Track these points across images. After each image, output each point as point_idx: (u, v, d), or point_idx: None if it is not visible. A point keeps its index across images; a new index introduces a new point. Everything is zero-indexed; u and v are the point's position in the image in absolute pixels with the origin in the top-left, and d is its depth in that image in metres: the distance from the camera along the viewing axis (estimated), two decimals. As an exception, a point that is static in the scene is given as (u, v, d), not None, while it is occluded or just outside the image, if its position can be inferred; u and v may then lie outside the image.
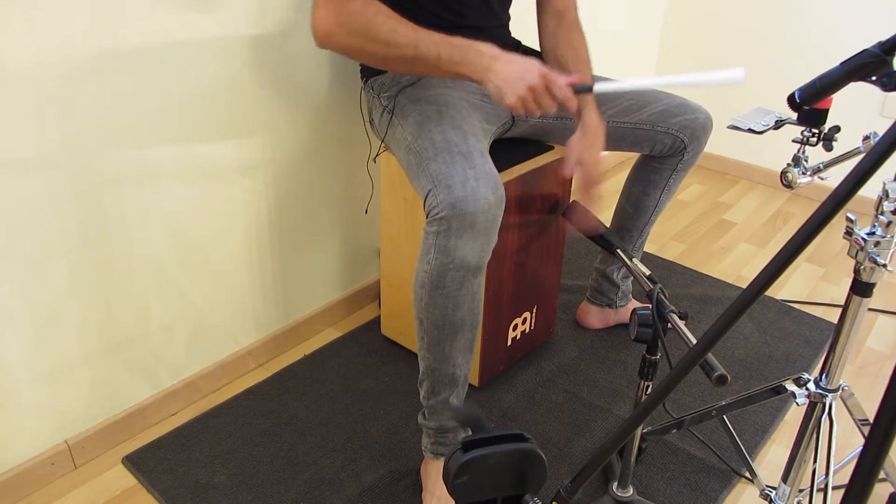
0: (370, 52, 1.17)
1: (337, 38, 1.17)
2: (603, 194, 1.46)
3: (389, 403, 1.61)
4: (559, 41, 1.46)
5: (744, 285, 2.10)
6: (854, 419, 1.25)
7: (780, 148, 2.73)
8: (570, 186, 1.66)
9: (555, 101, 1.14)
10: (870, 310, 2.00)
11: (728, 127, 1.31)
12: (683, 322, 1.11)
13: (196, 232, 1.49)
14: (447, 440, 1.34)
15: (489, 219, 1.16)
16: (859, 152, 1.23)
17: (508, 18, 1.51)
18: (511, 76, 1.12)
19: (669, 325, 1.13)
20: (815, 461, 1.11)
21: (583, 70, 1.42)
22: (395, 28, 1.14)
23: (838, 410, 1.13)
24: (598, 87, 1.13)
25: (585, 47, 1.46)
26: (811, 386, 1.11)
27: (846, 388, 1.17)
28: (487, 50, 1.14)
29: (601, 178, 1.40)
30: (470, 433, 1.26)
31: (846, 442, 1.54)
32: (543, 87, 1.12)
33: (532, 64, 1.13)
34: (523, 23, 1.62)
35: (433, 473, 1.35)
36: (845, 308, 1.03)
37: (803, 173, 1.24)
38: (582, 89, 1.15)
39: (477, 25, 1.41)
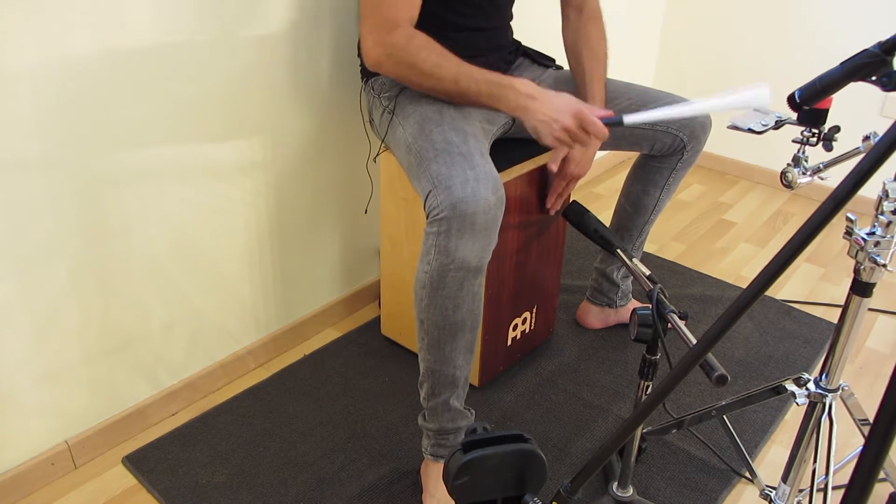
0: (416, 82, 1.25)
1: (385, 67, 1.25)
2: (570, 195, 1.53)
3: (389, 403, 1.61)
4: (578, 35, 1.50)
5: (744, 285, 2.10)
6: (854, 419, 1.25)
7: (780, 148, 2.73)
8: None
9: (590, 136, 1.20)
10: (870, 310, 2.00)
11: (728, 127, 1.31)
12: (683, 322, 1.11)
13: (196, 232, 1.49)
14: (447, 442, 1.34)
15: (489, 219, 1.17)
16: (859, 152, 1.23)
17: (510, 18, 1.52)
18: (546, 118, 1.19)
19: (669, 325, 1.13)
20: (815, 461, 1.11)
21: (596, 67, 1.46)
22: (439, 64, 1.21)
23: (838, 410, 1.13)
24: (628, 120, 1.18)
25: (603, 41, 1.50)
26: (811, 386, 1.11)
27: (846, 388, 1.17)
28: (524, 88, 1.20)
29: (578, 178, 1.48)
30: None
31: (846, 442, 1.54)
32: (577, 125, 1.18)
33: (566, 104, 1.19)
34: (523, 23, 1.62)
35: (433, 475, 1.35)
36: (845, 308, 1.03)
37: (803, 173, 1.24)
38: (612, 123, 1.20)
39: (479, 27, 1.41)
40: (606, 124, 1.20)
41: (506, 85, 1.20)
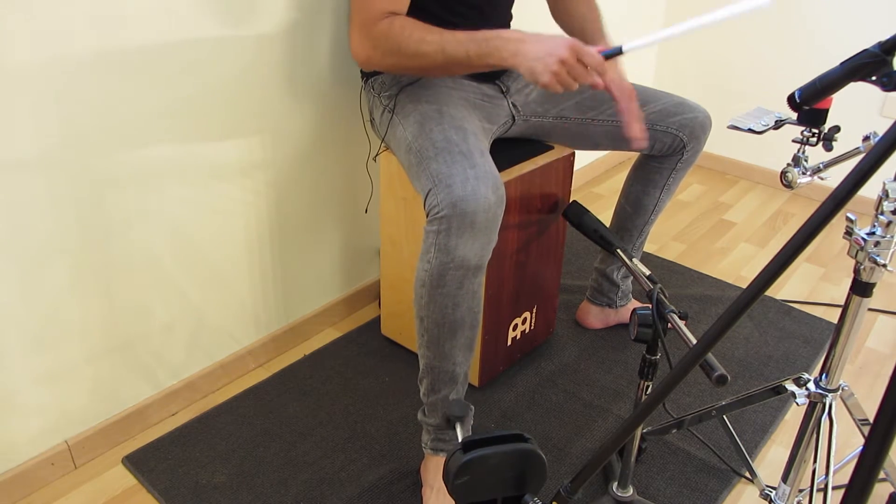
0: (407, 66, 1.23)
1: (375, 61, 1.24)
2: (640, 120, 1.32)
3: (389, 403, 1.61)
4: (567, 7, 1.49)
5: (744, 285, 2.10)
6: (854, 419, 1.25)
7: (780, 148, 2.73)
8: (570, 186, 1.66)
9: (588, 70, 1.13)
10: (870, 310, 2.00)
11: (728, 127, 1.31)
12: (683, 322, 1.11)
13: (196, 232, 1.49)
14: (447, 437, 1.35)
15: (489, 218, 1.17)
16: (859, 152, 1.23)
17: (510, 18, 1.52)
18: (540, 54, 1.12)
19: (669, 325, 1.13)
20: (815, 461, 1.11)
21: (593, 20, 1.44)
22: (422, 38, 1.18)
23: (838, 410, 1.13)
24: (628, 47, 1.11)
25: (598, 16, 1.48)
26: (811, 386, 1.11)
27: (846, 388, 1.17)
28: (512, 35, 1.16)
29: (633, 92, 1.29)
30: (469, 430, 1.26)
31: (846, 442, 1.54)
32: (574, 58, 1.11)
33: (558, 38, 1.13)
34: (524, 22, 1.62)
35: (433, 468, 1.35)
36: (845, 308, 1.03)
37: (803, 173, 1.24)
38: (612, 54, 1.13)
39: (477, 27, 1.41)
40: (605, 56, 1.14)
41: (492, 36, 1.17)
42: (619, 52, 1.12)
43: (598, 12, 1.50)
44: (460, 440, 1.01)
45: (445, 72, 1.24)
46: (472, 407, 1.37)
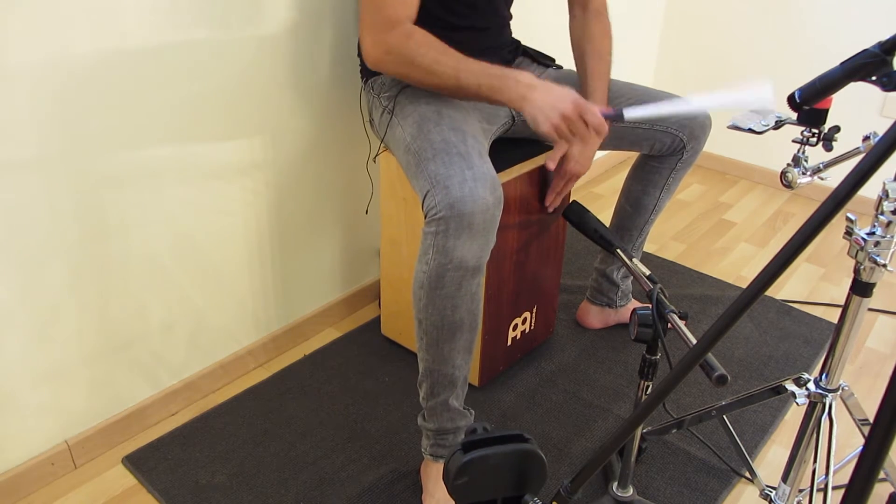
0: (416, 79, 1.25)
1: (385, 66, 1.25)
2: (569, 193, 1.51)
3: (389, 403, 1.61)
4: (583, 32, 1.50)
5: (744, 285, 2.10)
6: (854, 419, 1.25)
7: (780, 148, 2.73)
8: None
9: (588, 128, 1.18)
10: (870, 310, 2.00)
11: (728, 127, 1.31)
12: (683, 322, 1.11)
13: (196, 232, 1.49)
14: (447, 442, 1.34)
15: (487, 219, 1.16)
16: (859, 152, 1.23)
17: (510, 18, 1.52)
18: (545, 105, 1.17)
19: (669, 325, 1.13)
20: (815, 461, 1.11)
21: (599, 65, 1.46)
22: (438, 60, 1.21)
23: (838, 410, 1.13)
24: (629, 115, 1.17)
25: (608, 38, 1.50)
26: (811, 386, 1.11)
27: (846, 388, 1.17)
28: (524, 79, 1.20)
29: (578, 176, 1.46)
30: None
31: (846, 442, 1.54)
32: (577, 115, 1.17)
33: (566, 93, 1.18)
34: (524, 23, 1.62)
35: (433, 475, 1.35)
36: (845, 308, 1.03)
37: (803, 173, 1.24)
38: (612, 117, 1.20)
39: (479, 26, 1.41)
40: (606, 118, 1.19)
41: (505, 76, 1.20)
42: (619, 116, 1.18)
43: (608, 31, 1.51)
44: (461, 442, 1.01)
45: (453, 94, 1.26)
46: (472, 411, 1.37)
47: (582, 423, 1.57)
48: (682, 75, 2.91)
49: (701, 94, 1.53)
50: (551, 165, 1.40)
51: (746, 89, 1.02)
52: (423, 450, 1.38)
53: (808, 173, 1.24)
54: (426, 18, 1.26)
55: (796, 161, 1.25)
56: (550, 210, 1.58)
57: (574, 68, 1.53)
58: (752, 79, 1.02)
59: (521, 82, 1.19)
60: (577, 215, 1.51)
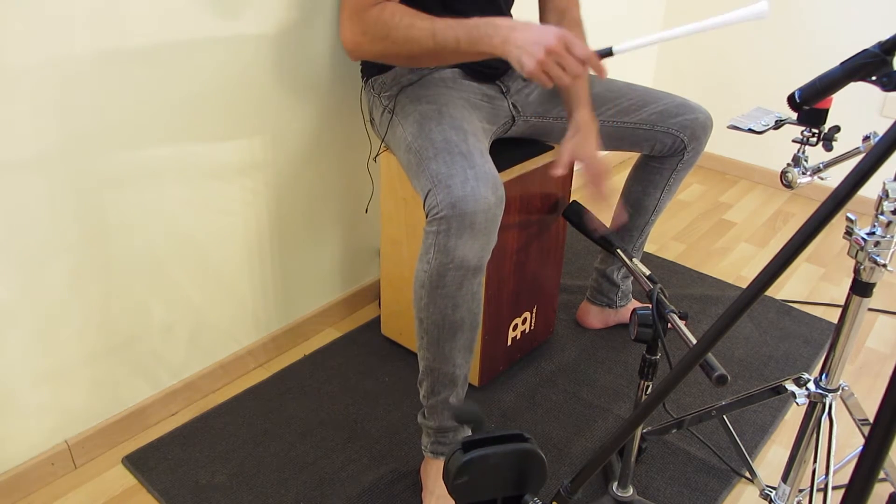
0: (395, 53, 1.21)
1: (364, 48, 1.22)
2: (613, 188, 1.43)
3: (389, 403, 1.61)
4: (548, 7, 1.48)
5: (744, 285, 2.10)
6: (854, 419, 1.25)
7: (780, 148, 2.73)
8: (571, 186, 1.66)
9: (578, 61, 1.10)
10: (870, 310, 2.00)
11: (728, 127, 1.31)
12: (683, 322, 1.11)
13: (196, 232, 1.49)
14: (447, 440, 1.34)
15: (489, 218, 1.16)
16: (859, 152, 1.23)
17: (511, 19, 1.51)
18: (528, 42, 1.09)
19: (669, 325, 1.13)
20: (815, 461, 1.11)
21: (571, 15, 1.45)
22: (412, 24, 1.17)
23: (838, 410, 1.13)
24: (618, 48, 1.08)
25: (577, 12, 1.48)
26: (811, 386, 1.11)
27: (846, 388, 1.17)
28: (503, 22, 1.13)
29: (607, 171, 1.38)
30: (470, 432, 1.26)
31: (846, 442, 1.54)
32: (563, 47, 1.08)
33: (549, 28, 1.10)
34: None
35: (433, 473, 1.35)
36: (845, 308, 1.03)
37: (803, 173, 1.24)
38: (601, 54, 1.10)
39: None
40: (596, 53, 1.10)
41: (483, 24, 1.14)
42: (608, 53, 1.09)
43: (585, 40, 1.48)
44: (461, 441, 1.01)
45: (435, 60, 1.21)
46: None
47: (582, 423, 1.58)
48: (682, 75, 2.91)
49: (702, 113, 1.53)
50: (558, 171, 1.33)
51: (739, 9, 0.99)
52: (423, 447, 1.38)
53: (808, 173, 1.25)
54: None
55: (796, 161, 1.25)
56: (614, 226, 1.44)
57: None
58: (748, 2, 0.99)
59: (500, 26, 1.13)
60: (577, 215, 1.51)
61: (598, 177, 1.37)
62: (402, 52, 1.20)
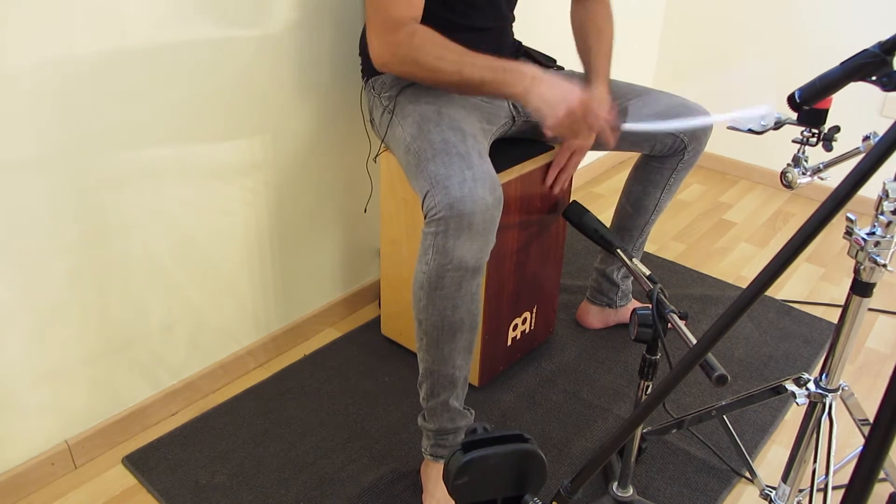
0: (421, 77, 1.24)
1: (392, 67, 1.25)
2: (569, 193, 1.49)
3: (389, 403, 1.61)
4: (586, 15, 1.51)
5: (744, 285, 2.10)
6: (854, 419, 1.25)
7: (780, 148, 2.73)
8: (571, 186, 1.66)
9: (590, 130, 1.19)
10: (870, 310, 2.00)
11: (728, 127, 1.31)
12: (683, 322, 1.11)
13: (196, 232, 1.49)
14: (447, 442, 1.34)
15: (487, 219, 1.16)
16: (859, 152, 1.23)
17: (512, 20, 1.52)
18: (552, 99, 1.16)
19: (669, 325, 1.13)
20: (815, 461, 1.11)
21: (601, 44, 1.47)
22: (441, 56, 1.20)
23: (838, 410, 1.13)
24: (626, 128, 1.16)
25: (610, 22, 1.51)
26: (811, 386, 1.11)
27: (846, 388, 1.17)
28: (529, 71, 1.19)
29: (582, 151, 1.44)
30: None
31: (846, 442, 1.54)
32: (582, 112, 1.16)
33: (573, 88, 1.17)
34: (524, 24, 1.62)
35: (433, 476, 1.35)
36: (845, 308, 1.03)
37: (803, 173, 1.24)
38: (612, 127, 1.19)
39: (482, 27, 1.41)
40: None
41: (510, 69, 1.19)
42: (616, 129, 1.19)
43: (610, 16, 1.51)
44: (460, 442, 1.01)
45: (458, 91, 1.26)
46: (472, 411, 1.37)
47: (582, 423, 1.57)
48: (682, 75, 2.91)
49: (701, 114, 1.55)
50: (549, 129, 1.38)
51: (748, 110, 1.03)
52: (423, 450, 1.38)
53: (808, 173, 1.24)
54: (428, 17, 1.26)
55: (796, 161, 1.25)
56: (555, 190, 1.52)
57: (575, 70, 1.53)
58: (755, 104, 1.03)
59: (525, 75, 1.18)
60: (577, 215, 1.51)
61: (576, 151, 1.45)
62: (426, 78, 1.24)
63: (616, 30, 1.52)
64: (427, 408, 1.33)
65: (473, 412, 1.37)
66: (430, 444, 1.36)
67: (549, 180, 1.54)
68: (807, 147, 1.23)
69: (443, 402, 1.30)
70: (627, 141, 1.57)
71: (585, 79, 1.47)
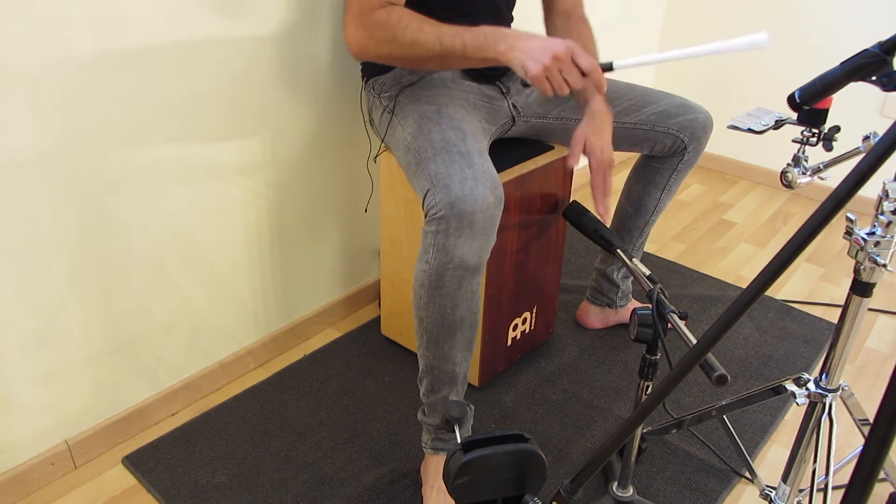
0: (401, 56, 1.21)
1: (370, 50, 1.22)
2: (612, 185, 1.43)
3: (389, 403, 1.61)
4: (569, 35, 1.48)
5: (744, 285, 2.10)
6: (854, 419, 1.25)
7: (780, 148, 2.73)
8: (570, 186, 1.66)
9: (581, 73, 1.10)
10: (870, 310, 2.00)
11: (728, 127, 1.31)
12: (683, 322, 1.11)
13: (196, 232, 1.49)
14: (447, 436, 1.35)
15: (487, 218, 1.17)
16: (859, 152, 1.23)
17: (511, 21, 1.52)
18: (533, 49, 1.10)
19: (669, 325, 1.13)
20: (815, 461, 1.11)
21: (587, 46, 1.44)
22: (420, 28, 1.17)
23: (838, 410, 1.13)
24: (618, 64, 1.10)
25: (593, 41, 1.49)
26: (811, 386, 1.11)
27: (846, 388, 1.17)
28: (511, 31, 1.15)
29: (611, 165, 1.38)
30: (468, 430, 1.26)
31: (846, 442, 1.54)
32: (568, 57, 1.09)
33: (556, 39, 1.11)
34: (524, 24, 1.62)
35: (433, 468, 1.35)
36: (845, 308, 1.03)
37: (803, 173, 1.24)
38: (603, 67, 1.11)
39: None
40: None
41: (490, 31, 1.15)
42: (609, 67, 1.10)
43: (592, 35, 1.50)
44: (459, 441, 1.01)
45: (440, 64, 1.21)
46: (472, 407, 1.37)
47: (582, 423, 1.58)
48: (682, 75, 2.91)
49: (702, 114, 1.54)
50: (573, 161, 1.36)
51: (741, 38, 1.00)
52: (423, 444, 1.38)
53: (808, 173, 1.25)
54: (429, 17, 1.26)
55: (796, 161, 1.25)
56: (606, 217, 1.44)
57: None
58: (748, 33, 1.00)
59: (507, 34, 1.14)
60: (576, 215, 1.51)
61: (601, 169, 1.38)
62: (407, 56, 1.20)
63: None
64: (427, 403, 1.33)
65: (472, 408, 1.37)
66: (431, 439, 1.36)
67: (601, 209, 1.42)
68: (807, 147, 1.23)
69: (443, 398, 1.31)
70: (628, 141, 1.57)
71: (580, 95, 1.43)
